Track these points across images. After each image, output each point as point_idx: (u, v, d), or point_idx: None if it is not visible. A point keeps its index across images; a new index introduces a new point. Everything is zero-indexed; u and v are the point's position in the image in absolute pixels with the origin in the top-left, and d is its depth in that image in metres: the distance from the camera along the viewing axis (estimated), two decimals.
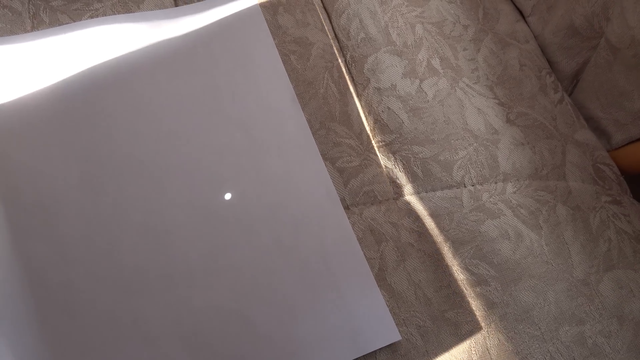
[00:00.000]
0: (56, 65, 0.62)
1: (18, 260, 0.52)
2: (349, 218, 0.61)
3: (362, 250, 0.59)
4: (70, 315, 0.51)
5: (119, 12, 0.66)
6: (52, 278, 0.52)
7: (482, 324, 0.58)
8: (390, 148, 0.67)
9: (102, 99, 0.62)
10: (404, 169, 0.66)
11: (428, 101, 0.69)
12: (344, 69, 0.71)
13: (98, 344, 0.51)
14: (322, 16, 0.74)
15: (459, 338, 0.57)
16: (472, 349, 0.57)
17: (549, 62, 0.79)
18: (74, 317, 0.51)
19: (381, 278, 0.58)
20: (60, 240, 0.54)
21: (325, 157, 0.64)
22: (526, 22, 0.80)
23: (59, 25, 0.64)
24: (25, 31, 0.64)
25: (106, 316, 0.52)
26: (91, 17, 0.65)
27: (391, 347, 0.55)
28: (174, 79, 0.65)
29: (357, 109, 0.69)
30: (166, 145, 0.61)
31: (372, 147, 0.67)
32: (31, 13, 0.64)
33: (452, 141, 0.68)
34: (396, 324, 0.56)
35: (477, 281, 0.60)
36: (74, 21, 0.65)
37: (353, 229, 0.61)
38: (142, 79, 0.64)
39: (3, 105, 0.59)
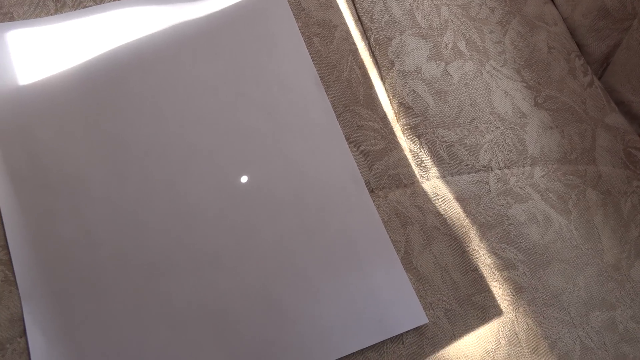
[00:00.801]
0: (80, 48, 0.62)
1: (45, 242, 0.52)
2: (373, 201, 0.60)
3: (388, 233, 0.59)
4: (97, 296, 0.51)
5: None
6: (78, 259, 0.52)
7: (510, 308, 0.57)
8: (415, 131, 0.66)
9: (125, 82, 0.62)
10: (429, 152, 0.65)
11: (454, 84, 0.68)
12: (367, 52, 0.70)
13: (125, 326, 0.51)
14: None
15: (487, 322, 0.56)
16: (500, 332, 0.56)
17: (578, 45, 0.77)
18: (100, 298, 0.51)
19: (407, 261, 0.58)
20: (86, 221, 0.54)
21: (349, 140, 0.63)
22: (554, 4, 0.79)
23: (82, 8, 0.64)
24: (49, 14, 0.64)
25: (133, 298, 0.52)
26: None
27: (418, 330, 0.54)
28: (197, 61, 0.64)
29: (382, 92, 0.68)
30: (190, 128, 0.61)
31: (397, 130, 0.66)
32: None
33: (479, 124, 0.66)
34: (423, 307, 0.55)
35: (505, 265, 0.59)
36: (97, 4, 0.65)
37: (378, 212, 0.60)
38: (165, 61, 0.64)
39: (28, 88, 0.59)
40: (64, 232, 0.53)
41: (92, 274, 0.52)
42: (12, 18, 0.63)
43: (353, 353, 0.52)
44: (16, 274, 0.50)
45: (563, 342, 0.56)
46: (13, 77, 0.59)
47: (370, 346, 0.53)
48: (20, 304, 0.49)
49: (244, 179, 0.59)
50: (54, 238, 0.53)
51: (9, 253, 0.51)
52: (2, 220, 0.52)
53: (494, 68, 0.70)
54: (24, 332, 0.48)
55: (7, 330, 0.48)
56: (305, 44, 0.68)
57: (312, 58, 0.67)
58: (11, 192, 0.54)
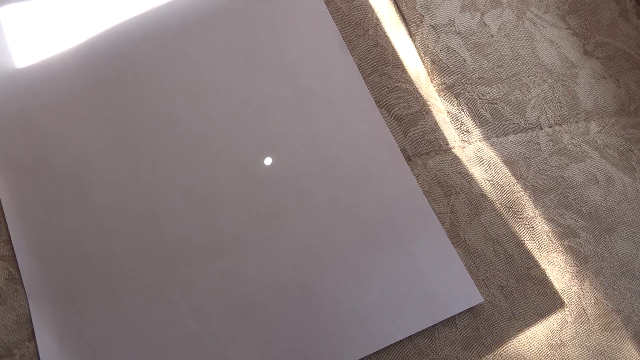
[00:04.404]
0: (79, 23, 0.57)
1: (51, 234, 0.48)
2: (412, 170, 0.54)
3: (430, 205, 0.53)
4: (111, 291, 0.46)
5: None
6: (89, 252, 0.48)
7: (575, 281, 0.51)
8: (452, 91, 0.59)
9: (130, 57, 0.56)
10: (469, 112, 0.58)
11: (492, 36, 0.61)
12: (393, 7, 0.63)
13: (144, 321, 0.46)
14: None
15: (549, 298, 0.50)
16: (566, 309, 0.49)
17: None
18: (115, 293, 0.46)
19: (454, 235, 0.51)
20: (96, 209, 0.49)
21: (379, 104, 0.57)
22: None
23: None
24: None
25: (151, 290, 0.47)
26: None
27: (472, 311, 0.48)
28: (208, 28, 0.59)
29: (412, 50, 0.61)
30: (204, 102, 0.55)
31: (432, 90, 0.59)
32: None
33: (523, 78, 0.59)
34: (475, 285, 0.49)
35: (565, 233, 0.52)
36: None
37: (417, 182, 0.54)
38: (173, 30, 0.58)
39: (25, 68, 0.54)
40: (72, 222, 0.48)
41: (104, 267, 0.47)
42: None
43: (400, 341, 0.47)
44: (21, 270, 0.46)
45: (638, 315, 0.50)
46: (8, 57, 0.55)
47: (419, 332, 0.47)
48: (27, 303, 0.45)
49: (266, 154, 0.53)
50: (61, 230, 0.48)
51: (12, 248, 0.46)
52: (3, 212, 0.48)
53: (535, 15, 0.63)
54: (32, 335, 0.44)
55: (14, 334, 0.44)
56: (325, 2, 0.62)
57: (333, 17, 0.61)
58: (12, 182, 0.49)
